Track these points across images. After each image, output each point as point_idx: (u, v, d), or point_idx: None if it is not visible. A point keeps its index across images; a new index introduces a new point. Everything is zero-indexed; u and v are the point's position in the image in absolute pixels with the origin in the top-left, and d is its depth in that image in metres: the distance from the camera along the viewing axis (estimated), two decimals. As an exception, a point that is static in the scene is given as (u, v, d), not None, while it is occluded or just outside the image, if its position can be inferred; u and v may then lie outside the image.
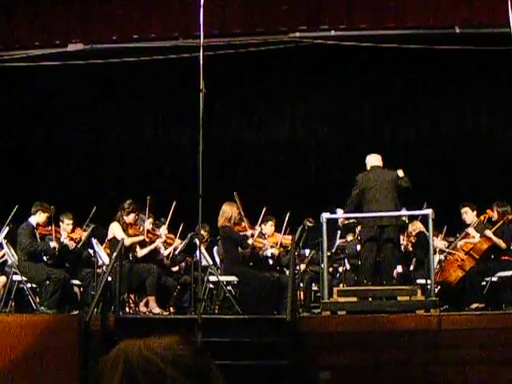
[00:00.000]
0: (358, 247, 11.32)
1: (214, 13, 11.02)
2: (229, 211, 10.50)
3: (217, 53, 11.61)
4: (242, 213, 10.74)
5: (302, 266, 11.62)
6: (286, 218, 11.12)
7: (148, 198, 10.79)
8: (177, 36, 11.88)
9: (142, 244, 10.70)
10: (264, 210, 11.01)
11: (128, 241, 10.28)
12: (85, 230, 10.90)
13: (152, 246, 10.73)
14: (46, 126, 15.12)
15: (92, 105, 15.31)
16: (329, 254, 10.21)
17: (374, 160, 10.64)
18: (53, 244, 10.36)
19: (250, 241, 10.77)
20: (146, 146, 15.70)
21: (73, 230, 10.82)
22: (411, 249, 11.45)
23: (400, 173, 10.41)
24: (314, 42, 11.97)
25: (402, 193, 10.31)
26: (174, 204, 10.91)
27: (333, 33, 11.82)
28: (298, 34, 11.88)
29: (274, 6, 11.69)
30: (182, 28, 11.67)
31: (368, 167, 10.61)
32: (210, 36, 10.50)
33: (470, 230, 10.64)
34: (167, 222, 11.02)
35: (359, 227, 11.07)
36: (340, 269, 12.16)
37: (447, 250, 10.86)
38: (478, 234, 10.55)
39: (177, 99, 15.08)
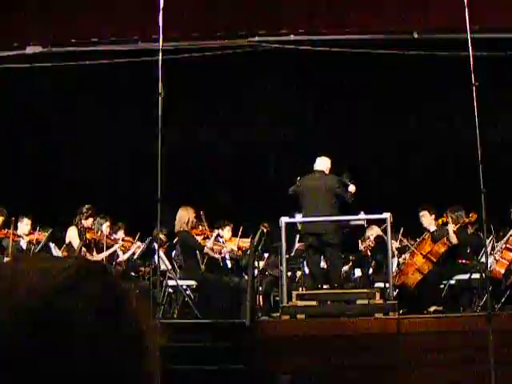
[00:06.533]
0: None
1: (174, 16, 10.98)
2: (185, 215, 10.46)
3: (176, 56, 11.54)
4: (194, 219, 10.69)
5: (262, 264, 11.51)
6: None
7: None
8: (136, 39, 11.81)
9: (99, 249, 10.64)
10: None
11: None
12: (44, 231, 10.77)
13: (107, 252, 10.65)
14: (1, 128, 14.91)
15: (50, 107, 15.14)
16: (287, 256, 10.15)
17: (317, 164, 10.42)
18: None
19: (209, 244, 10.75)
20: (104, 149, 15.56)
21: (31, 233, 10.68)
22: (369, 253, 11.48)
23: (351, 188, 10.21)
24: (273, 46, 11.97)
25: (340, 201, 10.21)
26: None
27: (292, 37, 11.83)
28: (257, 39, 11.87)
29: (234, 10, 11.67)
30: (141, 31, 11.60)
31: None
32: (170, 39, 10.44)
33: (432, 228, 10.66)
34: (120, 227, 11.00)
35: None
36: (298, 273, 12.14)
37: (408, 251, 10.90)
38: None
39: (136, 102, 14.99)
